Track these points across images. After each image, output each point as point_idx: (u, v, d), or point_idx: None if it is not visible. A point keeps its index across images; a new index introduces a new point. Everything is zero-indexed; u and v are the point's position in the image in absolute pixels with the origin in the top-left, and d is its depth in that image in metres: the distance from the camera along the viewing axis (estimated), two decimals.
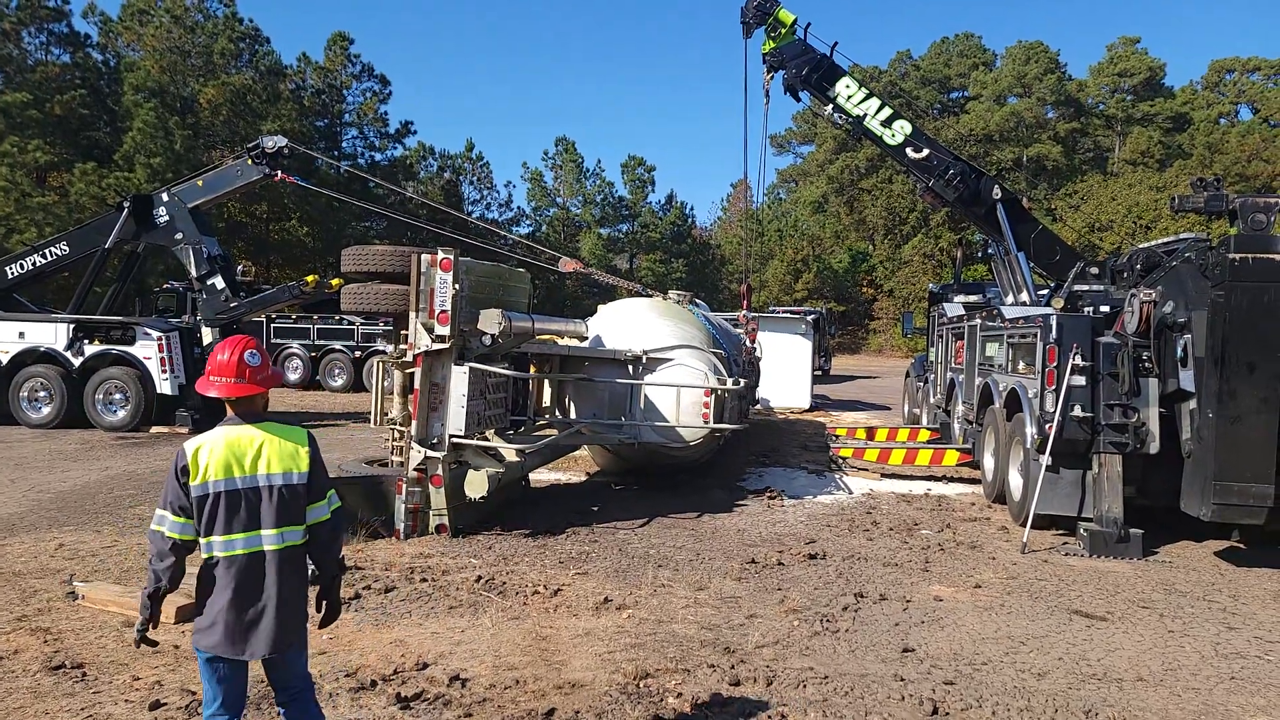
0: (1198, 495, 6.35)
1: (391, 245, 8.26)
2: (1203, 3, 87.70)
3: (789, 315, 20.17)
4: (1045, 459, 6.96)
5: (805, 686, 4.12)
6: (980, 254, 50.69)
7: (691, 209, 58.72)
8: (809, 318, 19.94)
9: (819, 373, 24.97)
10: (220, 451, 2.70)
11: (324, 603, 2.97)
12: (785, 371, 17.84)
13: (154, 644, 2.83)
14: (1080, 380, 6.90)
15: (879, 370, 36.82)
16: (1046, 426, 6.94)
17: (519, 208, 52.17)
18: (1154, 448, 6.74)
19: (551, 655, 4.50)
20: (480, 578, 5.71)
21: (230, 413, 2.83)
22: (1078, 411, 6.85)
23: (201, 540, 2.71)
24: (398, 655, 4.44)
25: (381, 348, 20.07)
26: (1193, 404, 6.45)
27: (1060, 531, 7.39)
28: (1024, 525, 7.11)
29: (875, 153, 54.28)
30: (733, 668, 4.30)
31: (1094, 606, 5.49)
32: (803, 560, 6.40)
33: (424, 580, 5.68)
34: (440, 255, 6.80)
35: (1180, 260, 7.64)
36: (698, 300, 12.51)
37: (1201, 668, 4.55)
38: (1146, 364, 6.73)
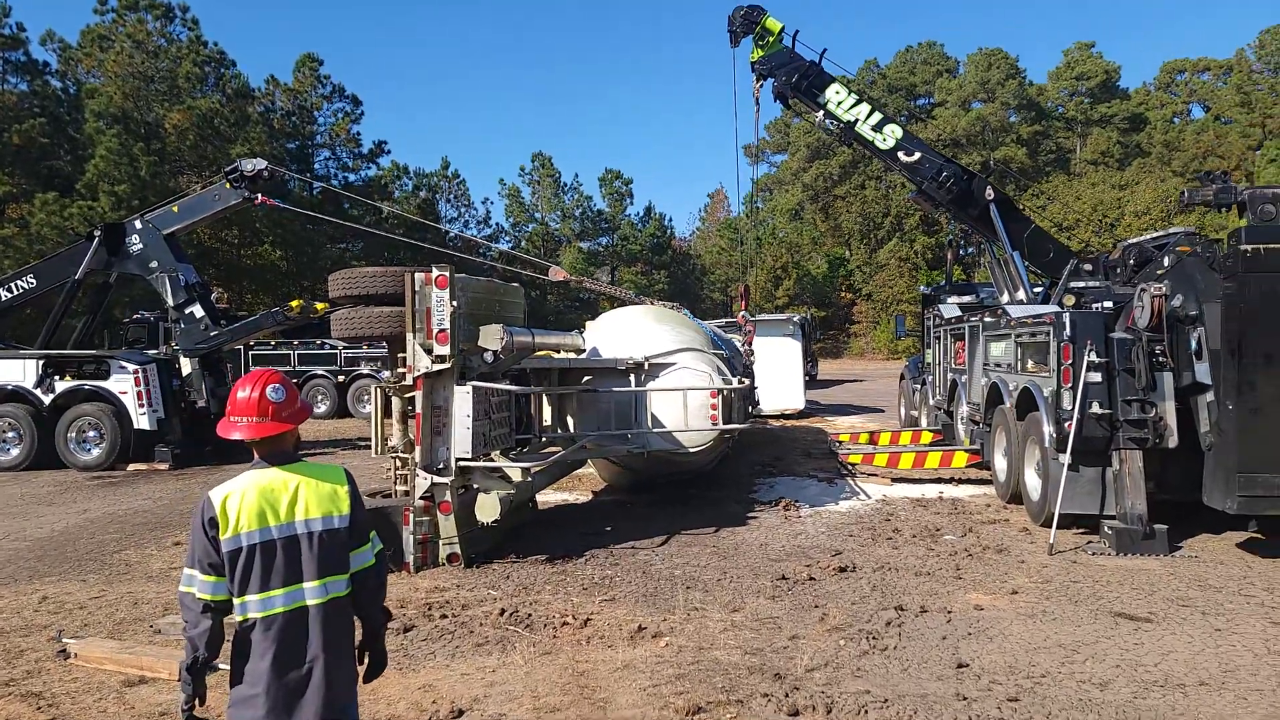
0: (1221, 488, 6.30)
1: (378, 266, 8.01)
2: (1153, 6, 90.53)
3: (777, 318, 20.11)
4: (1065, 458, 6.87)
5: (867, 713, 3.92)
6: (951, 254, 51.45)
7: (670, 220, 59.10)
8: (795, 320, 19.91)
9: (807, 378, 24.97)
10: (252, 499, 2.42)
11: (367, 655, 2.71)
12: (777, 373, 17.75)
13: None
14: (1096, 377, 6.83)
15: (864, 373, 37.03)
16: (1065, 425, 6.86)
17: (497, 224, 51.98)
18: (1172, 442, 6.69)
19: (593, 692, 4.26)
20: (503, 610, 5.44)
21: (256, 455, 2.56)
22: (1095, 408, 6.78)
23: (235, 600, 2.41)
24: (429, 702, 4.16)
25: (365, 371, 19.66)
26: (1210, 396, 6.41)
27: (1081, 530, 7.31)
28: (1049, 526, 7.00)
29: (848, 160, 55.04)
30: (787, 695, 4.09)
31: (1135, 608, 5.37)
32: (834, 574, 6.22)
33: (444, 616, 5.40)
34: (435, 272, 6.55)
35: (1185, 254, 7.65)
36: (686, 310, 12.38)
37: (1259, 667, 4.43)
38: (1160, 358, 6.69)
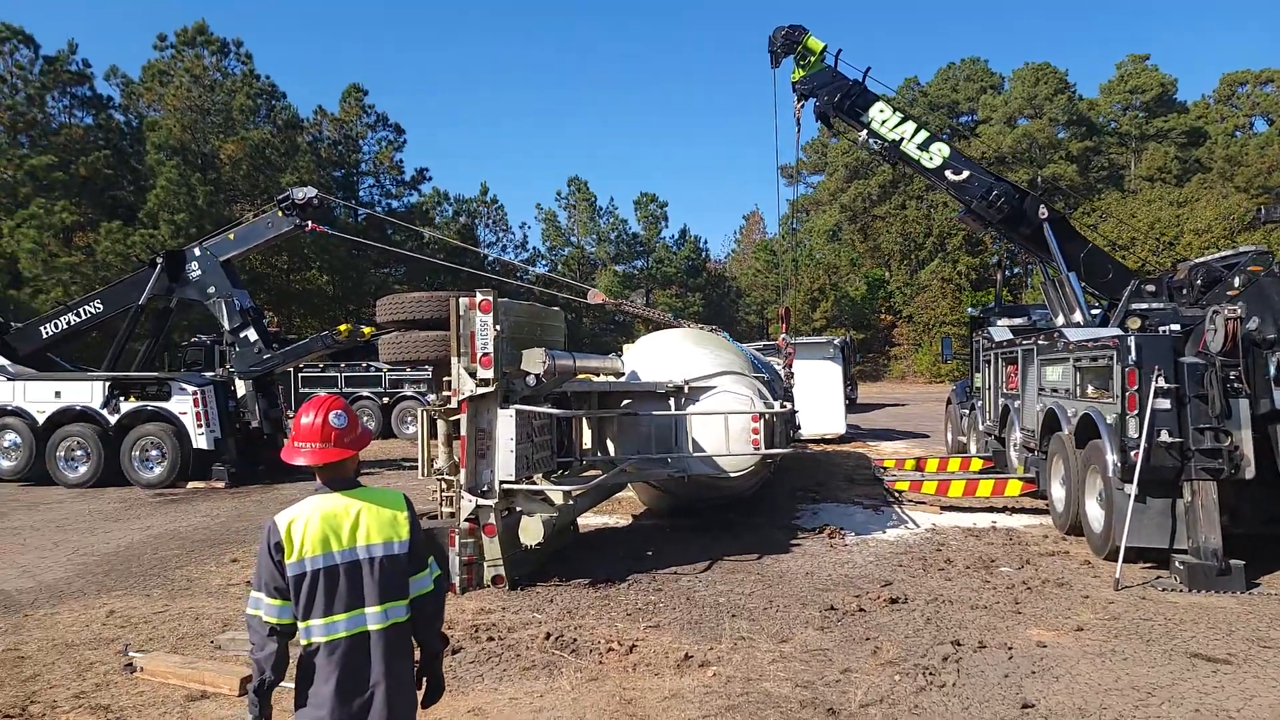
0: None
1: (421, 291, 8.16)
2: (1210, 19, 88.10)
3: (817, 341, 19.83)
4: (1132, 488, 6.59)
5: None
6: (1000, 275, 50.33)
7: (705, 242, 59.04)
8: (835, 342, 19.62)
9: (847, 401, 24.57)
10: (316, 524, 2.46)
11: (425, 680, 2.71)
12: (817, 397, 17.47)
13: None
14: (1165, 404, 6.55)
15: (905, 397, 36.33)
16: (1131, 454, 6.58)
17: (534, 248, 52.69)
18: (1249, 473, 6.36)
19: None
20: (549, 634, 5.41)
21: (319, 480, 2.60)
22: (1165, 437, 6.49)
23: (300, 624, 2.45)
24: None
25: (409, 393, 19.99)
26: None
27: (1149, 564, 6.98)
28: (1113, 560, 6.71)
29: (887, 179, 54.51)
30: None
31: (1212, 649, 5.09)
32: (884, 605, 6.04)
33: (490, 639, 5.39)
34: (479, 297, 6.63)
35: (1257, 274, 7.34)
36: (724, 333, 12.30)
37: None
38: (1235, 384, 6.39)
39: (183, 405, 12.47)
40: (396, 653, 2.51)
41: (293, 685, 2.49)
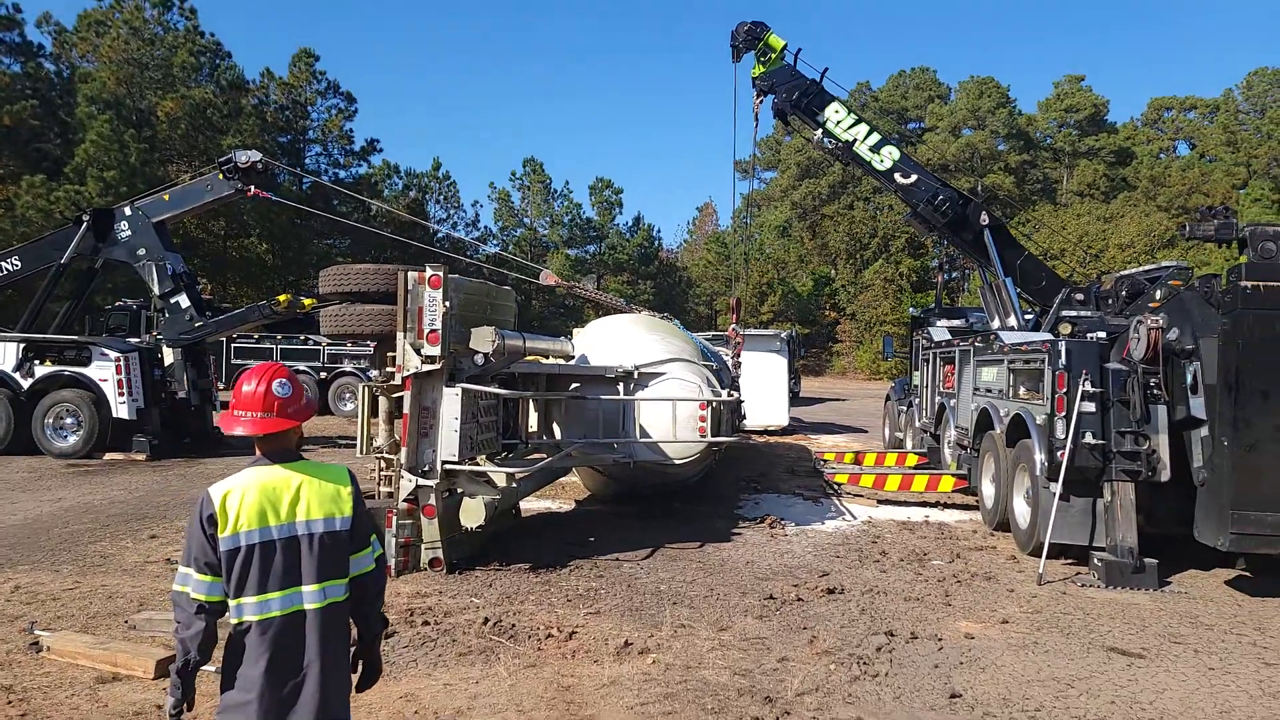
0: (1214, 524, 6.30)
1: (368, 264, 7.90)
2: (1143, 44, 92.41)
3: (764, 334, 20.08)
4: (1057, 487, 6.87)
5: None
6: (941, 278, 51.82)
7: (658, 231, 59.00)
8: (782, 336, 19.91)
9: (790, 394, 24.96)
10: (253, 497, 2.34)
11: (361, 663, 2.61)
12: (762, 389, 17.70)
13: None
14: (1090, 407, 6.84)
15: (846, 392, 37.15)
16: (1058, 453, 6.85)
17: (486, 227, 51.78)
18: (1165, 475, 6.69)
19: (579, 709, 4.16)
20: (487, 619, 5.33)
21: (258, 452, 2.47)
22: (1089, 438, 6.78)
23: (230, 602, 2.32)
24: (410, 712, 4.05)
25: (348, 369, 19.43)
26: (1204, 431, 6.43)
27: (1070, 560, 7.30)
28: (1037, 555, 6.99)
29: (837, 180, 55.49)
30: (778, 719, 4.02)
31: (1127, 643, 5.34)
32: (821, 595, 6.15)
33: (425, 623, 5.28)
34: (429, 272, 6.46)
35: (1176, 287, 7.72)
36: (676, 321, 12.32)
37: (1254, 709, 4.41)
38: (1155, 391, 6.71)
39: (103, 372, 11.81)
40: (333, 634, 2.40)
41: (216, 668, 2.37)
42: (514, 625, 5.27)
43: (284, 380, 2.46)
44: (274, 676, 2.29)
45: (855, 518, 9.36)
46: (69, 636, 4.75)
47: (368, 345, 17.81)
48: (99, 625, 5.07)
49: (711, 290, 55.70)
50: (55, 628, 4.94)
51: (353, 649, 2.59)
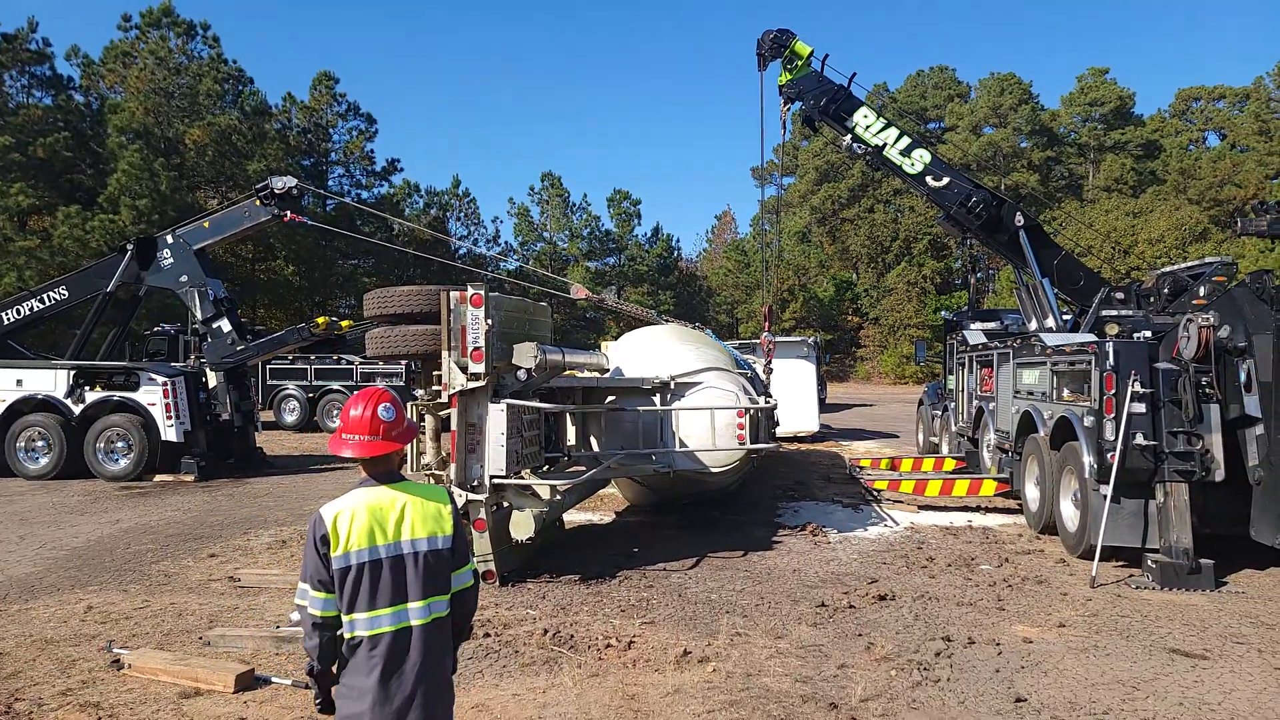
0: (1270, 523, 6.23)
1: (399, 286, 8.07)
2: (1167, 33, 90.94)
3: (792, 340, 20.08)
4: (1107, 489, 6.82)
5: None
6: (960, 280, 51.38)
7: (677, 241, 59.17)
8: (810, 342, 19.88)
9: (819, 400, 24.85)
10: (362, 517, 2.45)
11: None
12: (791, 395, 17.68)
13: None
14: (1140, 408, 6.79)
15: (872, 398, 36.91)
16: (1108, 455, 6.81)
17: (506, 243, 52.23)
18: (1219, 475, 6.63)
19: (648, 717, 4.22)
20: (545, 630, 5.41)
21: (364, 474, 2.59)
22: (1140, 440, 6.73)
23: (344, 617, 2.44)
24: None
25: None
26: (1259, 430, 6.36)
27: (1120, 563, 7.23)
28: (1087, 558, 6.93)
29: (856, 183, 55.29)
30: None
31: (1190, 644, 5.30)
32: (873, 602, 6.16)
33: (486, 635, 5.38)
34: (470, 291, 6.61)
35: (1221, 283, 7.64)
36: (708, 330, 12.38)
37: None
38: (1207, 390, 6.65)
39: (152, 396, 12.12)
40: (436, 647, 2.51)
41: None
42: (573, 636, 5.35)
43: (388, 404, 2.57)
44: (384, 689, 2.40)
45: (898, 524, 9.34)
46: (148, 654, 4.90)
47: (399, 364, 18.10)
48: (173, 642, 5.23)
49: (732, 299, 55.67)
50: (131, 645, 5.10)
51: None
